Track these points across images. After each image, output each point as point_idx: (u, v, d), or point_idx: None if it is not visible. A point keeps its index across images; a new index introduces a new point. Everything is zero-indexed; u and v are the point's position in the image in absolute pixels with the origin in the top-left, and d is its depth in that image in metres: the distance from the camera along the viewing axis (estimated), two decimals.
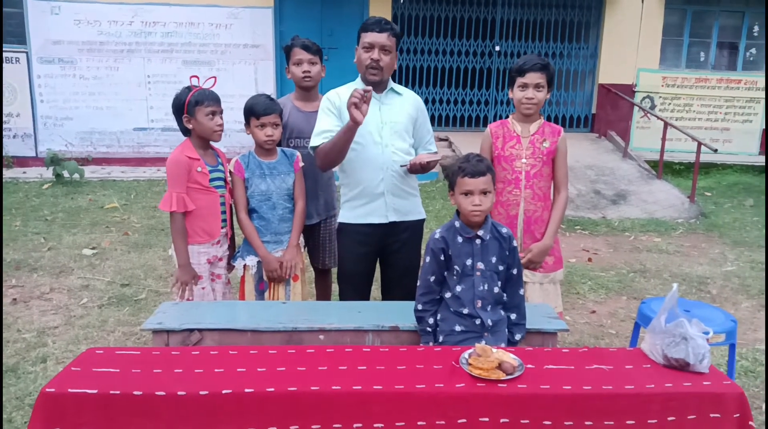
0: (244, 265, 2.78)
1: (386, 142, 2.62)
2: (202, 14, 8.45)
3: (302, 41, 2.97)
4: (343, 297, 2.84)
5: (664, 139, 7.93)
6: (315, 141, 2.61)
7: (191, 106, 2.59)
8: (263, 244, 2.74)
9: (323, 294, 3.39)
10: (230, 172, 2.74)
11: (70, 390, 1.67)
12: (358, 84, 2.68)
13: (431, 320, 2.15)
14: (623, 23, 9.39)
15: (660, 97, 9.66)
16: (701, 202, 7.26)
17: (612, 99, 9.39)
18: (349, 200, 2.71)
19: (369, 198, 2.66)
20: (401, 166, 2.62)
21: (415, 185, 2.77)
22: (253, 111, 2.67)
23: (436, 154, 2.75)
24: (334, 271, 3.64)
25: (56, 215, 6.00)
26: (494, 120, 2.79)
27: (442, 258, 2.12)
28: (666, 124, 7.91)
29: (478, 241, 2.12)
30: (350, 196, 2.71)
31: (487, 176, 2.11)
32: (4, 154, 8.29)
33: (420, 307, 2.17)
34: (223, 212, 2.72)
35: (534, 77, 2.56)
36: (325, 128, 2.60)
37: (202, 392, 1.68)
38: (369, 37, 2.58)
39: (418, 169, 2.58)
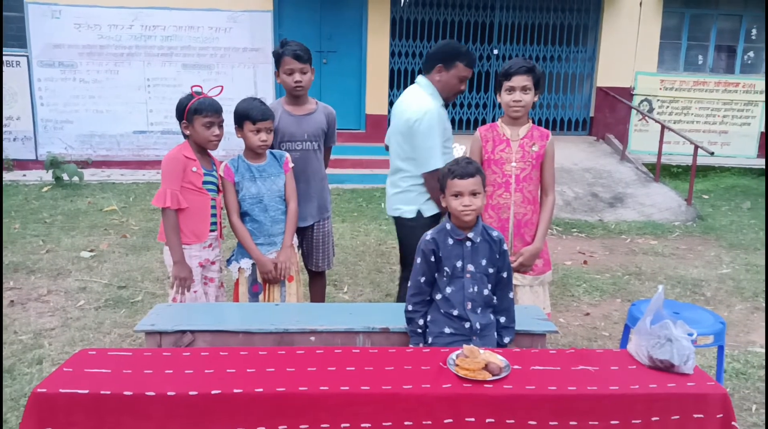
0: (239, 268, 2.81)
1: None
2: (201, 18, 8.50)
3: (293, 50, 2.89)
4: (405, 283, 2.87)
5: (661, 142, 7.96)
6: (439, 163, 2.80)
7: (190, 114, 2.60)
8: (257, 247, 2.76)
9: (317, 296, 3.41)
10: (220, 176, 2.75)
11: (61, 390, 1.69)
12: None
13: (421, 321, 2.18)
14: (621, 26, 9.43)
15: (658, 100, 9.68)
16: (698, 205, 7.28)
17: (610, 102, 9.42)
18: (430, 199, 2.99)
19: None
20: None
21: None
22: (250, 116, 2.68)
23: None
24: (329, 273, 3.67)
25: (55, 218, 6.03)
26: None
27: (433, 259, 2.15)
28: (663, 127, 7.93)
29: (468, 243, 2.14)
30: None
31: (477, 178, 2.13)
32: (5, 156, 8.34)
33: (410, 307, 2.19)
34: (214, 215, 2.74)
35: (520, 80, 2.59)
36: (438, 146, 2.88)
37: (191, 392, 1.70)
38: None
39: None
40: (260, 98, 2.80)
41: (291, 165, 2.84)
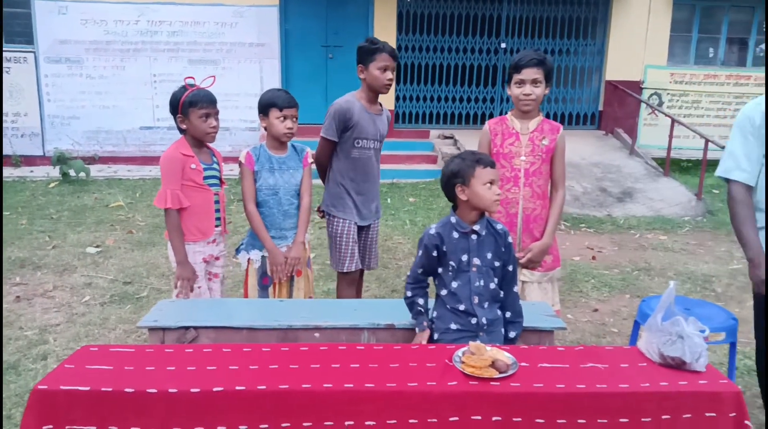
0: (248, 259, 2.78)
1: None
2: (207, 13, 8.48)
3: (391, 48, 2.94)
4: None
5: (671, 136, 7.86)
6: (734, 174, 2.37)
7: (185, 107, 2.58)
8: (271, 238, 2.73)
9: (357, 293, 3.34)
10: (240, 162, 2.73)
11: (62, 387, 1.67)
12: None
13: (421, 301, 2.15)
14: (631, 19, 9.31)
15: (668, 93, 9.57)
16: (709, 200, 7.19)
17: (619, 96, 9.31)
18: None
19: None
20: None
21: None
22: (276, 103, 2.67)
23: None
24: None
25: (62, 214, 6.04)
26: None
27: (435, 254, 2.11)
28: (673, 121, 7.83)
29: (474, 236, 2.11)
30: None
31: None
32: (12, 153, 8.38)
33: (409, 293, 2.17)
34: (218, 211, 2.71)
35: (531, 73, 2.53)
36: (735, 152, 2.38)
37: (193, 390, 1.68)
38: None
39: None
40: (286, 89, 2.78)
41: (311, 160, 2.83)
